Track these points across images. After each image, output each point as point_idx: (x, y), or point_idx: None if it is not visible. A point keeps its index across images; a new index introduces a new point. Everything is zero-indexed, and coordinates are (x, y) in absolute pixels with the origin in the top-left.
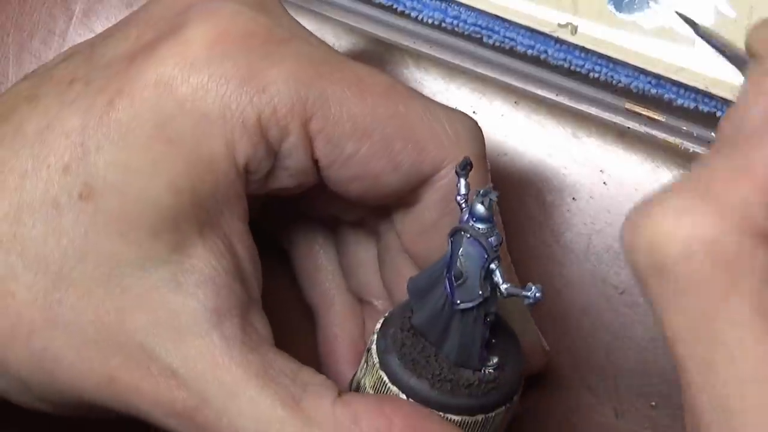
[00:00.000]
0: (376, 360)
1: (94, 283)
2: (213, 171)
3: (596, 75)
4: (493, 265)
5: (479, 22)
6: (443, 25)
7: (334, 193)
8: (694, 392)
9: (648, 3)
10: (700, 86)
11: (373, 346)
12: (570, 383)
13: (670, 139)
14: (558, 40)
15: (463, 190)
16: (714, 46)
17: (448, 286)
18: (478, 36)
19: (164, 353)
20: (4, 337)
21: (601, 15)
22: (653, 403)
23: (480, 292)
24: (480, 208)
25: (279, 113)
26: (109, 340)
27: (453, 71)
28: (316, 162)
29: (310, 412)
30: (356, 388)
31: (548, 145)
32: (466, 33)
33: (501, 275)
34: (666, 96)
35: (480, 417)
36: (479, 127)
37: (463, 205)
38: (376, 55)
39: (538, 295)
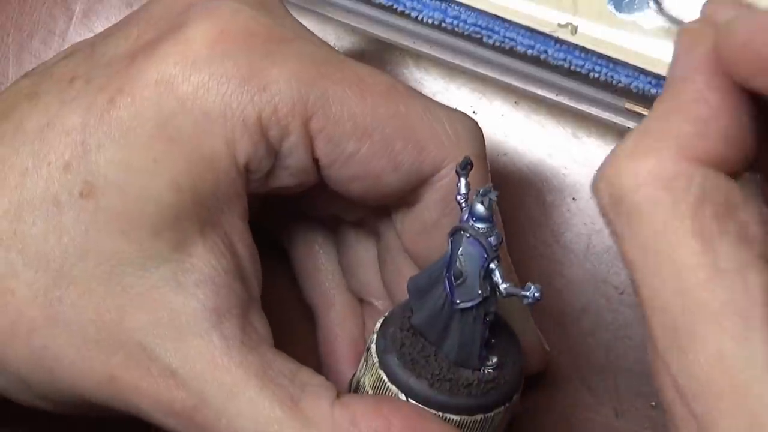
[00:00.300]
0: (376, 359)
1: (94, 281)
2: (214, 169)
3: (596, 75)
4: (492, 265)
5: (479, 22)
6: (443, 25)
7: (334, 193)
8: (648, 310)
9: (648, 3)
10: None
11: (373, 346)
12: (570, 383)
13: None
14: (558, 40)
15: (463, 190)
16: None
17: (447, 286)
18: (478, 36)
19: (164, 353)
20: (4, 334)
21: (601, 15)
22: (653, 403)
23: (479, 292)
24: (480, 208)
25: (280, 112)
26: (110, 338)
27: (453, 71)
28: (316, 161)
29: (308, 412)
30: (356, 387)
31: (548, 145)
32: (466, 33)
33: (500, 275)
34: None
35: (479, 417)
36: (479, 128)
37: (463, 205)
38: (377, 55)
39: (537, 295)
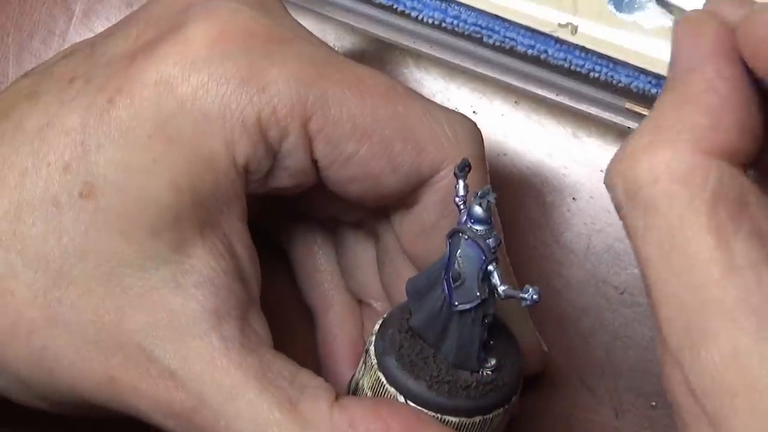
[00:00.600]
0: (374, 361)
1: (94, 281)
2: (213, 170)
3: (596, 75)
4: (490, 267)
5: (479, 22)
6: (443, 25)
7: (333, 194)
8: (659, 306)
9: (648, 3)
10: None
11: (372, 348)
12: (569, 383)
13: None
14: (558, 40)
15: (461, 192)
16: None
17: (446, 288)
18: (478, 36)
19: (163, 354)
20: (3, 335)
21: (601, 15)
22: (653, 403)
23: (478, 294)
24: (478, 210)
25: (279, 113)
26: (109, 340)
27: (453, 71)
28: (315, 162)
29: (307, 415)
30: (354, 389)
31: (548, 145)
32: (466, 33)
33: (499, 277)
34: None
35: (478, 419)
36: (478, 129)
37: (462, 207)
38: (377, 55)
39: (535, 297)
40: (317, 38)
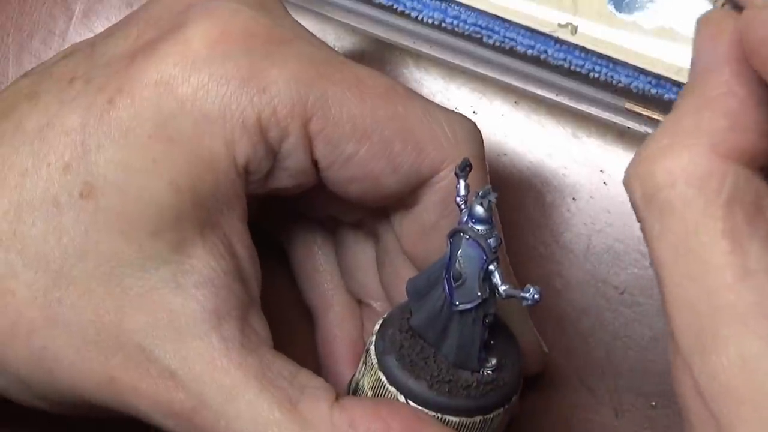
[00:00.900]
0: (375, 361)
1: (94, 282)
2: (213, 170)
3: (596, 75)
4: (491, 267)
5: (479, 22)
6: (443, 25)
7: (333, 194)
8: (671, 308)
9: (648, 3)
10: None
11: (372, 347)
12: (569, 383)
13: None
14: (558, 40)
15: (462, 192)
16: None
17: (446, 287)
18: (478, 36)
19: (163, 354)
20: (3, 335)
21: (601, 15)
22: (653, 403)
23: (479, 294)
24: (479, 210)
25: (279, 114)
26: (109, 340)
27: (453, 71)
28: (315, 163)
29: (307, 415)
30: (355, 389)
31: (548, 145)
32: (466, 33)
33: (500, 276)
34: (666, 96)
35: (478, 418)
36: (478, 129)
37: (463, 207)
38: (376, 55)
39: (536, 296)
40: (317, 39)
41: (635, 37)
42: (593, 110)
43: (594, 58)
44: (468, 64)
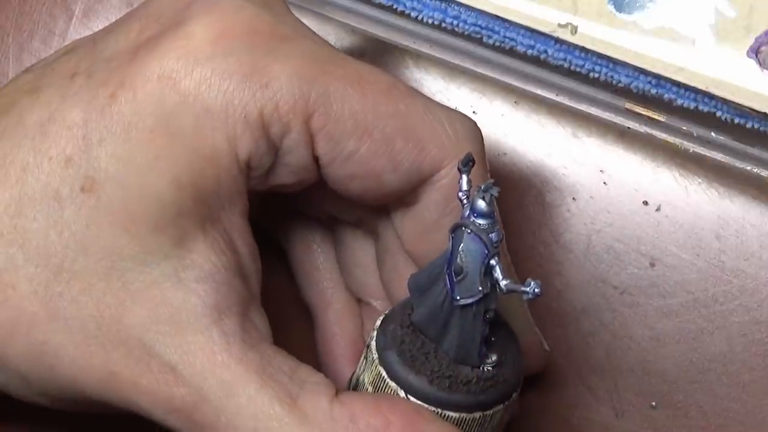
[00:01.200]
0: (376, 356)
1: (95, 276)
2: (215, 166)
3: (596, 75)
4: (493, 261)
5: (479, 22)
6: (443, 25)
7: (333, 192)
8: None
9: (648, 3)
10: (700, 86)
11: (373, 343)
12: (569, 383)
13: (670, 139)
14: (558, 40)
15: (464, 187)
16: None
17: (448, 282)
18: (478, 36)
19: (164, 349)
20: (4, 330)
21: (601, 15)
22: (653, 403)
23: (480, 288)
24: (481, 204)
25: (281, 109)
26: (110, 334)
27: (453, 71)
28: (316, 159)
29: (307, 410)
30: (355, 384)
31: (548, 145)
32: (466, 33)
33: (501, 271)
34: (666, 96)
35: (478, 414)
36: (478, 128)
37: (465, 202)
38: (377, 55)
39: (537, 290)
40: (319, 37)
41: (635, 37)
42: (593, 110)
43: (594, 58)
44: (468, 64)
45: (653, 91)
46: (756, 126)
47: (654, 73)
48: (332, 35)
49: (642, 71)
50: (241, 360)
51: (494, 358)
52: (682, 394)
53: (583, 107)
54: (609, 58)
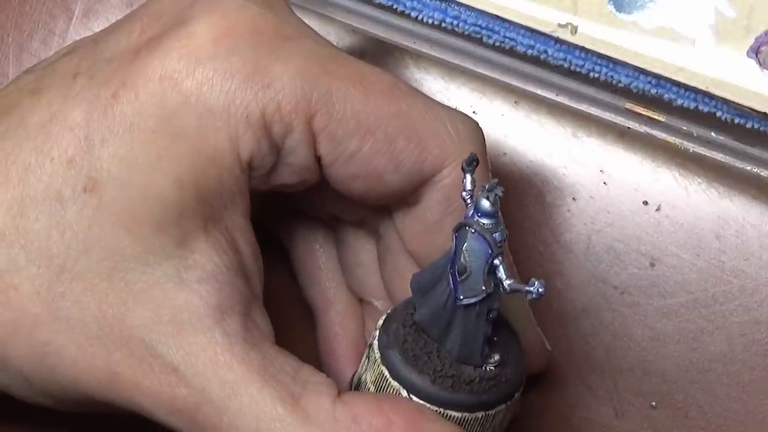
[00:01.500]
0: (378, 355)
1: (98, 277)
2: (217, 166)
3: (596, 75)
4: (496, 261)
5: (479, 22)
6: (443, 25)
7: (335, 192)
8: None
9: (648, 3)
10: (700, 86)
11: (375, 342)
12: (570, 383)
13: (670, 139)
14: (558, 40)
15: (468, 186)
16: None
17: (451, 281)
18: (478, 36)
19: (166, 350)
20: (6, 330)
21: (601, 15)
22: (653, 403)
23: (483, 288)
24: (485, 203)
25: (283, 109)
26: (112, 335)
27: (453, 71)
28: (318, 159)
29: (309, 410)
30: (357, 384)
31: (548, 145)
32: (466, 33)
33: (504, 271)
34: (666, 96)
35: (480, 414)
36: (480, 128)
37: (469, 202)
38: (377, 55)
39: (540, 290)
40: (322, 37)
41: (635, 37)
42: (593, 110)
43: (594, 58)
44: (468, 64)
45: (653, 91)
46: (756, 126)
47: (654, 73)
48: (333, 35)
49: (642, 71)
50: (243, 360)
51: (497, 357)
52: (682, 394)
53: (583, 107)
54: (609, 58)
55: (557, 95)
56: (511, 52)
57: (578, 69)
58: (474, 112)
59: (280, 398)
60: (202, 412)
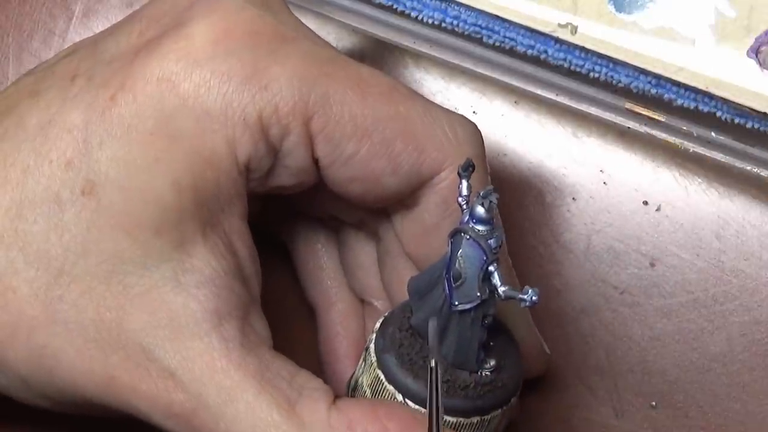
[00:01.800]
0: (374, 359)
1: (96, 280)
2: (214, 168)
3: (596, 75)
4: (491, 268)
5: (479, 22)
6: (443, 25)
7: (333, 194)
8: None
9: (648, 3)
10: (700, 86)
11: (372, 345)
12: (569, 383)
13: (670, 139)
14: (558, 40)
15: (464, 192)
16: None
17: (447, 287)
18: (478, 36)
19: (163, 354)
20: (4, 333)
21: (601, 15)
22: (653, 403)
23: (478, 294)
24: (480, 210)
25: (281, 111)
26: (109, 338)
27: (453, 71)
28: (316, 161)
29: (305, 417)
30: (354, 386)
31: (548, 145)
32: (466, 33)
33: (499, 278)
34: (666, 96)
35: (476, 419)
36: (479, 131)
37: (464, 207)
38: (377, 55)
39: (534, 298)
40: (320, 38)
41: (635, 37)
42: (593, 110)
43: (594, 58)
44: (468, 64)
45: (653, 91)
46: (756, 126)
47: (654, 73)
48: (332, 35)
49: (642, 71)
50: (240, 365)
51: (493, 363)
52: (682, 394)
53: (583, 107)
54: (609, 58)
55: (557, 95)
56: (511, 52)
57: (578, 69)
58: (474, 112)
59: (276, 404)
60: (198, 417)
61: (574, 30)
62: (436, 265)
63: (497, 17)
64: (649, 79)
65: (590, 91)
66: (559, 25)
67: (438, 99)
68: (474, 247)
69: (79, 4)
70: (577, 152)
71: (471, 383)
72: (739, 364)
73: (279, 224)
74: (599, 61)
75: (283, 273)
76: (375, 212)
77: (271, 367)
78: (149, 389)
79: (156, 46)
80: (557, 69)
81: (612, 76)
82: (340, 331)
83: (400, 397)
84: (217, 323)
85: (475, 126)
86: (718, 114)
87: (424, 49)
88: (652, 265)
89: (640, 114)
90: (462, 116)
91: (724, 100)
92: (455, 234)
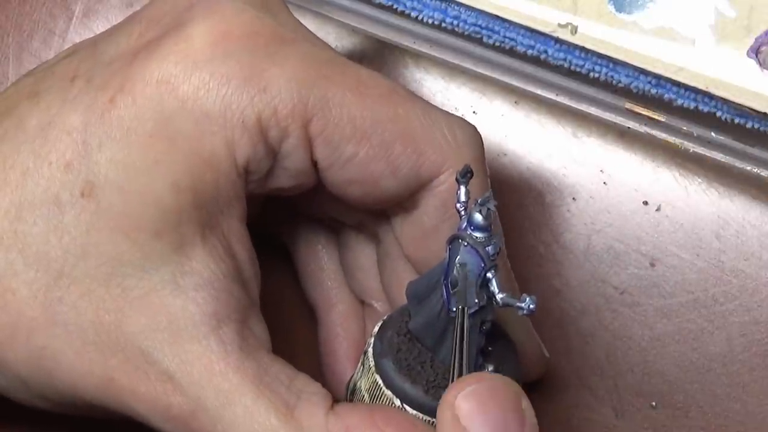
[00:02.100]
0: (372, 363)
1: (95, 282)
2: (214, 171)
3: (596, 75)
4: (489, 275)
5: (479, 22)
6: (443, 25)
7: (333, 195)
8: None
9: (648, 3)
10: (700, 86)
11: (370, 349)
12: (569, 384)
13: (670, 139)
14: (558, 40)
15: (462, 198)
16: None
17: (444, 293)
18: (478, 36)
19: (162, 357)
20: (3, 334)
21: (601, 15)
22: (653, 403)
23: (476, 300)
24: (478, 217)
25: (279, 114)
26: (108, 341)
27: (453, 71)
28: (315, 163)
29: (303, 421)
30: (352, 389)
31: (548, 145)
32: (466, 33)
33: (497, 284)
34: (666, 96)
35: None
36: (478, 133)
37: (463, 213)
38: (377, 55)
39: (531, 306)
40: (320, 40)
41: (635, 37)
42: (593, 110)
43: (594, 58)
44: (468, 64)
45: (653, 91)
46: (756, 126)
47: (654, 73)
48: (332, 35)
49: (642, 71)
50: (239, 369)
51: (491, 368)
52: (682, 394)
53: (583, 107)
54: (609, 58)
55: (557, 95)
56: (511, 52)
57: (578, 69)
58: (474, 112)
59: (274, 409)
60: (197, 420)
61: (574, 30)
62: (435, 270)
63: (497, 17)
64: (649, 79)
65: (590, 91)
66: (559, 25)
67: (438, 99)
68: (472, 254)
69: (79, 4)
70: (577, 152)
71: None
72: (739, 364)
73: (280, 225)
74: (599, 61)
75: (283, 274)
76: (375, 214)
77: (269, 370)
78: (148, 392)
79: (155, 47)
80: (557, 69)
81: (612, 76)
82: (340, 332)
83: (398, 402)
84: (216, 326)
85: (475, 128)
86: (718, 114)
87: (424, 49)
88: (652, 265)
89: (640, 114)
90: (461, 119)
91: (724, 100)
92: (453, 240)
